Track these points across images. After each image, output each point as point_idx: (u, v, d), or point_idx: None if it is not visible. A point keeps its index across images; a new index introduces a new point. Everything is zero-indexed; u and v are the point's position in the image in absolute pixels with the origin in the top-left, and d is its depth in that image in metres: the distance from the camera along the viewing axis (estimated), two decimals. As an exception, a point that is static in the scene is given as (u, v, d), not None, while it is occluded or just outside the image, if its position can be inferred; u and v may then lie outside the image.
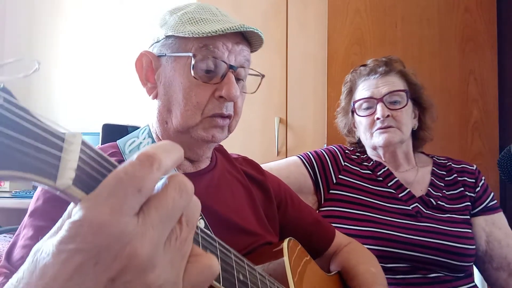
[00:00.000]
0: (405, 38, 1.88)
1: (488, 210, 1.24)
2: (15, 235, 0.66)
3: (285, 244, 0.76)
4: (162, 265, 0.30)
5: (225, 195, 0.82)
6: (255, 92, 0.83)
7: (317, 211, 1.25)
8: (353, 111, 1.34)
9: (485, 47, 1.84)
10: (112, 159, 0.31)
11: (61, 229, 0.28)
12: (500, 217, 1.25)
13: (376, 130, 1.25)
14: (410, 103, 1.27)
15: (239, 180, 0.89)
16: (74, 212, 0.28)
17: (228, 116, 0.76)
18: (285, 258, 0.72)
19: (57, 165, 0.26)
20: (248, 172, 0.92)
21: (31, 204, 0.67)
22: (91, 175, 0.29)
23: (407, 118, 1.26)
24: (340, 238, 1.02)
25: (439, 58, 1.86)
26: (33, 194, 2.55)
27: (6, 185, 2.54)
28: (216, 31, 0.70)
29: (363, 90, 1.29)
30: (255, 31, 0.74)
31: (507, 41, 1.88)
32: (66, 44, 2.96)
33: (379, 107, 1.23)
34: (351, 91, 1.37)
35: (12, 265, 0.60)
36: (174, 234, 0.32)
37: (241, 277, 0.44)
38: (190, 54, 0.72)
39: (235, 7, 2.20)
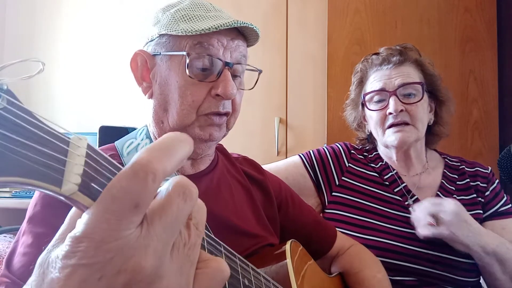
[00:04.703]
0: (405, 38, 1.88)
1: (500, 215, 1.14)
2: (14, 242, 0.65)
3: (287, 246, 0.75)
4: (170, 274, 0.30)
5: (225, 197, 0.81)
6: (253, 88, 0.81)
7: (321, 214, 1.21)
8: (363, 104, 1.23)
9: (485, 47, 1.84)
10: (119, 164, 0.31)
11: (64, 241, 0.28)
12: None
13: (388, 128, 1.15)
14: (426, 96, 1.16)
15: (239, 181, 0.88)
16: (77, 226, 0.28)
17: (226, 114, 0.75)
18: (288, 260, 0.72)
19: (62, 170, 0.26)
20: (248, 172, 0.91)
21: (29, 209, 0.66)
22: (98, 181, 0.28)
23: (423, 113, 1.15)
24: (342, 240, 1.01)
25: (439, 58, 1.85)
26: (33, 194, 2.55)
27: (5, 185, 2.53)
28: (210, 28, 0.69)
29: (374, 81, 1.18)
30: (250, 26, 0.73)
31: (507, 41, 1.88)
32: (66, 44, 2.95)
33: (391, 101, 1.12)
34: (361, 82, 1.25)
35: (13, 274, 0.59)
36: (182, 240, 0.31)
37: (247, 282, 0.43)
38: (184, 53, 0.71)
39: (235, 7, 2.19)
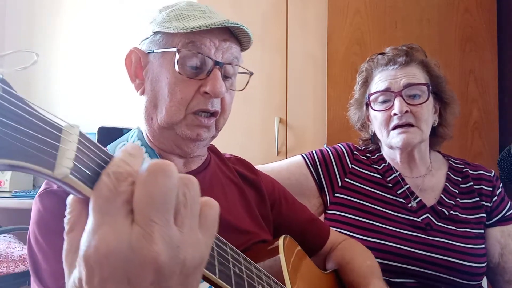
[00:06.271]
0: (405, 38, 1.88)
1: (506, 220, 1.15)
2: (29, 251, 0.64)
3: (280, 241, 0.76)
4: (185, 240, 0.31)
5: (218, 195, 0.82)
6: (243, 89, 0.82)
7: (323, 215, 1.21)
8: (367, 104, 1.22)
9: (485, 47, 1.84)
10: (109, 152, 0.32)
11: (77, 265, 0.29)
12: None
13: (393, 129, 1.14)
14: (431, 98, 1.15)
15: (231, 180, 0.89)
16: (82, 244, 0.29)
17: (214, 113, 0.76)
18: (281, 255, 0.72)
19: (55, 155, 0.27)
20: (241, 172, 0.92)
21: (36, 217, 0.65)
22: (89, 166, 0.29)
23: (428, 115, 1.14)
24: (335, 236, 1.02)
25: (439, 58, 1.81)
26: (33, 194, 2.56)
27: (6, 185, 2.54)
28: (200, 26, 0.70)
29: (379, 82, 1.17)
30: (241, 27, 0.74)
31: (507, 41, 1.88)
32: (66, 44, 2.96)
33: (397, 101, 1.11)
34: (366, 82, 1.24)
35: None
36: (181, 204, 0.32)
37: (237, 270, 0.44)
38: (175, 50, 0.72)
39: (235, 7, 2.20)
